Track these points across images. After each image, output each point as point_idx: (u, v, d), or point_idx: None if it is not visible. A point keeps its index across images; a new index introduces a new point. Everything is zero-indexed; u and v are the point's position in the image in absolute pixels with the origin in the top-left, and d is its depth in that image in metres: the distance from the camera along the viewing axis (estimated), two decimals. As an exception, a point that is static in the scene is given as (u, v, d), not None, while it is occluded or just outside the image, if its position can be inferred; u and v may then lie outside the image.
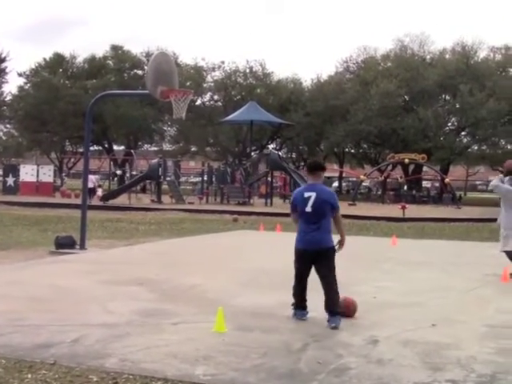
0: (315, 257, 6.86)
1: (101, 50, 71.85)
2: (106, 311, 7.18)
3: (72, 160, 60.02)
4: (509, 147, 49.32)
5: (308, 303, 7.39)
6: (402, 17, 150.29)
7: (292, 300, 7.14)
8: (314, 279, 7.96)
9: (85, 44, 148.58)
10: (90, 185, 33.07)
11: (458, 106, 45.02)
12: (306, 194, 6.77)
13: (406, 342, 6.13)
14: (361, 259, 12.45)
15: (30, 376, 4.88)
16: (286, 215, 17.34)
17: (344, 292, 8.67)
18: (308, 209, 6.72)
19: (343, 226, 7.16)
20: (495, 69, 47.08)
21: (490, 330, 6.75)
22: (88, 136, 14.42)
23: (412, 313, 7.51)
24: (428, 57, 49.34)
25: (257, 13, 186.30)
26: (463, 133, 48.48)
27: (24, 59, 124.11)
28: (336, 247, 7.01)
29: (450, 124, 48.09)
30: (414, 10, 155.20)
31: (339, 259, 11.06)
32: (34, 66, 53.91)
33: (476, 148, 49.51)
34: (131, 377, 4.90)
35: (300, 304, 7.07)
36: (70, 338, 5.95)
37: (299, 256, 6.92)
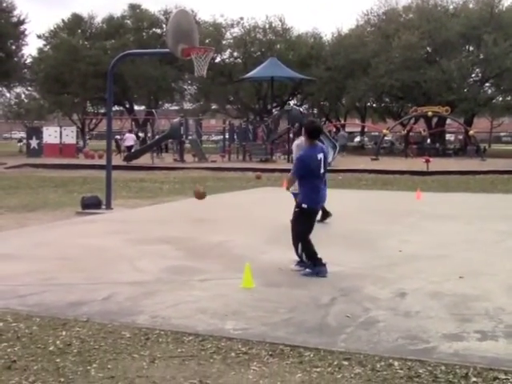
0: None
1: (119, 9, 71.37)
2: (135, 269, 7.29)
3: (94, 121, 60.23)
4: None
5: (333, 258, 7.47)
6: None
7: (302, 263, 7.08)
8: (329, 234, 8.02)
9: (101, 3, 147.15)
10: (131, 142, 35.03)
11: (481, 57, 44.18)
12: (319, 156, 6.99)
13: (433, 294, 6.16)
14: (385, 213, 12.45)
15: (64, 333, 5.00)
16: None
17: (370, 246, 8.74)
18: (322, 170, 7.03)
19: None
20: (520, 17, 45.98)
21: (517, 281, 6.75)
22: (110, 97, 14.40)
23: (438, 265, 7.52)
24: (451, 7, 48.26)
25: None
26: (487, 84, 47.69)
27: (41, 21, 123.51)
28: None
29: (473, 75, 47.26)
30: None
31: (364, 214, 11.12)
32: (52, 28, 53.85)
33: (500, 99, 48.71)
34: (162, 332, 5.00)
35: (319, 260, 6.94)
36: (101, 296, 6.06)
37: (313, 214, 7.18)
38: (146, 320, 5.33)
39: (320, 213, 10.81)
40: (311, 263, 6.95)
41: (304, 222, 7.01)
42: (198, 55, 12.41)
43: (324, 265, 6.93)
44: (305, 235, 7.02)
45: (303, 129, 7.31)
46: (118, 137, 40.64)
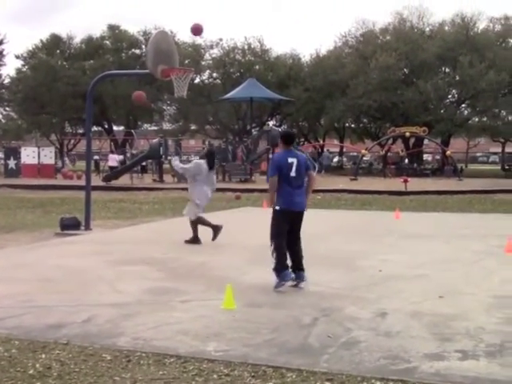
0: (296, 217, 7.42)
1: (97, 29, 71.39)
2: (115, 291, 7.24)
3: (72, 141, 59.96)
4: (510, 118, 49.19)
5: (313, 278, 7.55)
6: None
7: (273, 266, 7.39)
8: (309, 255, 8.05)
9: (80, 24, 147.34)
10: (114, 163, 34.93)
11: (458, 78, 44.78)
12: (290, 160, 7.34)
13: (413, 313, 6.19)
14: (365, 233, 12.51)
15: (44, 356, 4.94)
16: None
17: (350, 266, 8.77)
18: (293, 173, 7.31)
19: (313, 184, 7.87)
20: (495, 40, 46.76)
21: (496, 300, 6.82)
22: (89, 117, 14.38)
23: (418, 285, 7.57)
24: (427, 29, 48.96)
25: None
26: (463, 105, 48.28)
27: (19, 41, 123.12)
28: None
29: (450, 96, 47.86)
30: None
31: (344, 233, 11.20)
32: (31, 48, 53.66)
33: (476, 120, 49.30)
34: (144, 354, 4.97)
35: (286, 264, 7.31)
36: (81, 318, 6.01)
37: (285, 216, 7.31)
38: (126, 342, 5.29)
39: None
40: (276, 265, 7.29)
41: (276, 223, 7.38)
42: (177, 76, 12.46)
43: (287, 268, 7.30)
44: (277, 236, 7.35)
45: (280, 137, 7.71)
46: (96, 157, 40.49)
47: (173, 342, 5.29)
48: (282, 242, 7.34)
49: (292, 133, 8.25)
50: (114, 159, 35.87)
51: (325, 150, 50.85)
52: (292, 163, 7.31)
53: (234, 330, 5.61)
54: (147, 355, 4.95)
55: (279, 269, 7.27)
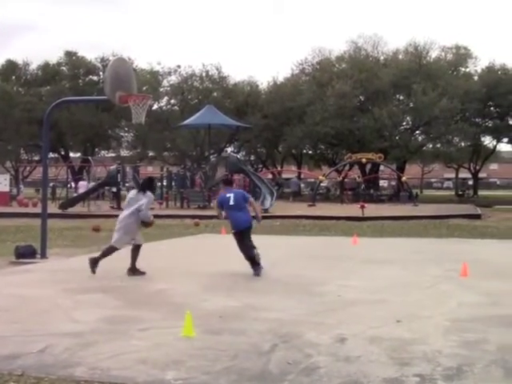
0: (242, 233, 10.24)
1: (53, 56, 70.94)
2: (72, 320, 7.10)
3: (28, 168, 59.11)
4: (462, 144, 50.39)
5: (272, 304, 7.61)
6: (355, 18, 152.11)
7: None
8: (268, 281, 8.07)
9: (36, 50, 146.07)
10: (85, 190, 34.30)
11: (412, 106, 45.80)
12: (227, 195, 10.42)
13: (372, 338, 6.23)
14: (323, 259, 12.58)
15: (-2, 388, 4.81)
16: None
17: (308, 292, 8.80)
18: (231, 203, 10.29)
19: (257, 206, 11.19)
20: (447, 68, 48.09)
21: (452, 323, 6.90)
22: (46, 144, 14.23)
23: (377, 310, 7.63)
24: (382, 57, 50.03)
25: (211, 16, 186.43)
26: (418, 131, 49.34)
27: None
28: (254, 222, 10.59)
29: (404, 123, 48.86)
30: (366, 12, 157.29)
31: (302, 259, 11.27)
32: (-15, 74, 52.97)
33: (430, 146, 50.40)
34: (101, 384, 4.88)
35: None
36: (36, 348, 5.87)
37: (237, 235, 10.31)
38: (84, 372, 5.18)
39: None
40: (259, 260, 10.13)
41: (239, 241, 10.30)
42: (135, 102, 12.44)
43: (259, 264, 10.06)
44: (250, 247, 10.22)
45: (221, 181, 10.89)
46: (52, 184, 39.93)
47: (131, 371, 5.21)
48: (255, 250, 10.09)
49: (229, 179, 13.09)
50: (84, 186, 35.18)
51: (293, 176, 51.49)
52: (229, 197, 10.33)
53: (193, 358, 5.55)
54: (105, 385, 4.86)
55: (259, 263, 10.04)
